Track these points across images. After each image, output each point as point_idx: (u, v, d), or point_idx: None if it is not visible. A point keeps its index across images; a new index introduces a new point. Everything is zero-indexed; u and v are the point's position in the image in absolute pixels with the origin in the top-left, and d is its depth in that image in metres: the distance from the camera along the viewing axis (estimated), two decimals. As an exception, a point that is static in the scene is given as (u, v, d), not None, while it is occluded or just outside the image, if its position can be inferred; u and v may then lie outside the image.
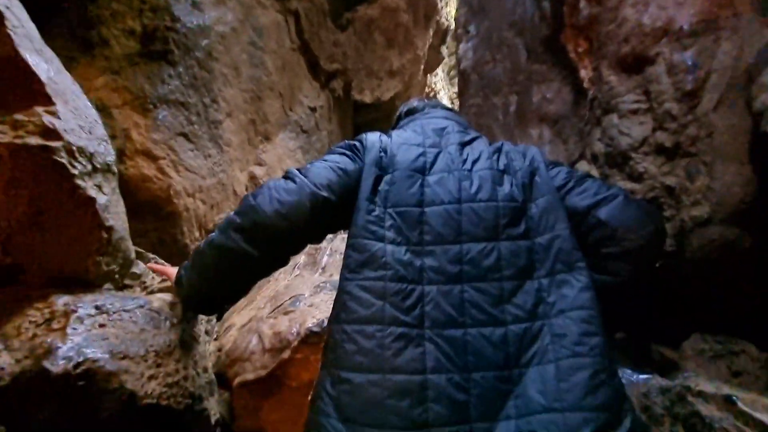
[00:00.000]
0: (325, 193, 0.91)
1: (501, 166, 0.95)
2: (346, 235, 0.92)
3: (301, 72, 2.88)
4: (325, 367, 0.80)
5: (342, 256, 0.89)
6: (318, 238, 1.02)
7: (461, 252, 0.85)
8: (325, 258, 1.77)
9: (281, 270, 1.84)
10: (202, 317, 1.33)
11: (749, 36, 1.15)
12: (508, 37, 2.15)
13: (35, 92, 0.89)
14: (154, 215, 1.78)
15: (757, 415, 0.86)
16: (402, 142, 1.00)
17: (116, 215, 1.06)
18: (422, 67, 4.40)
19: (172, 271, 1.06)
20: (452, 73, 5.39)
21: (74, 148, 0.93)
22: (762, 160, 1.04)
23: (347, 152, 1.00)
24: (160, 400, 0.91)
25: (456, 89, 4.43)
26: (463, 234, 0.86)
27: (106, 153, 1.05)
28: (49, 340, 0.84)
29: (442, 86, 5.56)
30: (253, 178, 2.36)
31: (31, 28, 0.96)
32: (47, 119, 0.89)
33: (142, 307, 1.01)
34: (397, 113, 1.35)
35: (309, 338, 1.27)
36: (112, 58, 1.75)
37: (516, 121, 2.03)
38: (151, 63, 1.82)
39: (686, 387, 0.99)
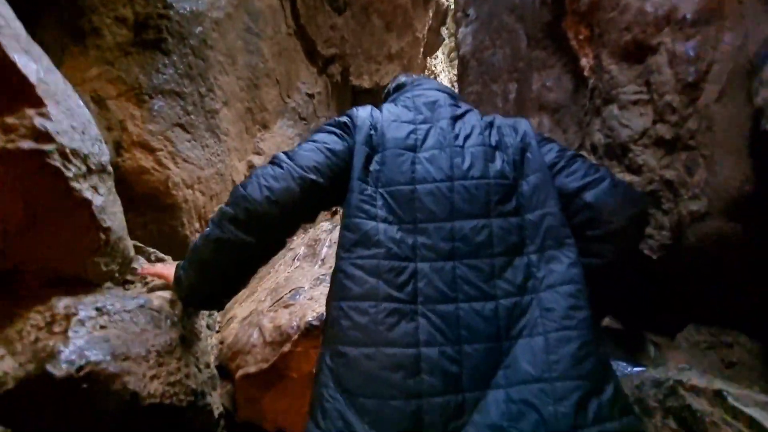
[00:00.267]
0: (312, 176, 0.93)
1: (493, 141, 0.96)
2: (344, 224, 0.93)
3: (298, 58, 2.82)
4: (325, 342, 0.83)
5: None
6: (311, 218, 1.04)
7: (453, 229, 0.86)
8: (325, 249, 1.78)
9: (281, 261, 1.86)
10: (203, 312, 1.35)
11: (754, 25, 1.12)
12: (508, 22, 2.10)
13: (25, 94, 0.88)
14: (152, 207, 1.78)
15: (747, 410, 0.88)
16: (393, 119, 1.00)
17: (113, 215, 1.05)
18: (422, 49, 4.31)
19: (169, 271, 1.07)
20: (453, 55, 5.29)
21: (68, 150, 0.92)
22: (761, 157, 1.03)
23: (336, 131, 1.00)
24: (162, 399, 0.93)
25: (457, 71, 4.36)
26: (455, 212, 0.88)
27: (101, 153, 1.04)
28: (51, 343, 0.85)
29: (443, 68, 5.47)
30: (251, 167, 2.34)
31: (18, 26, 0.93)
32: (39, 122, 0.88)
33: (142, 306, 1.02)
34: (386, 90, 1.34)
35: (309, 332, 1.29)
36: (105, 47, 1.72)
37: (515, 109, 2.00)
38: (144, 52, 1.79)
39: (678, 381, 1.01)
